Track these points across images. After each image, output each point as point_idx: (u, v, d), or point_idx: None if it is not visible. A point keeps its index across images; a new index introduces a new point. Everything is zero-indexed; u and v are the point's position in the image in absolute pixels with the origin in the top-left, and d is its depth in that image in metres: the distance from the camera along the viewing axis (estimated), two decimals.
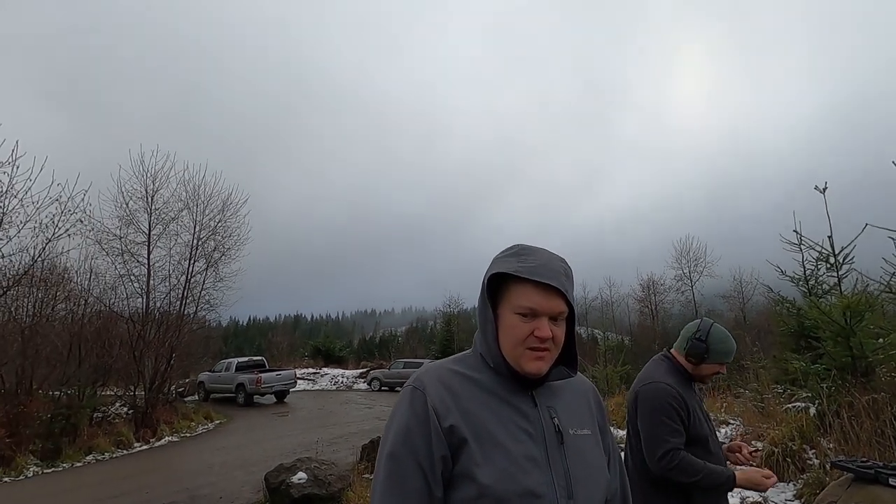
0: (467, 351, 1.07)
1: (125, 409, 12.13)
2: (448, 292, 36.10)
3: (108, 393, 12.39)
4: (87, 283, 12.08)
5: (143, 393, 12.00)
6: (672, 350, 2.09)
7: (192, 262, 13.57)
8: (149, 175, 12.81)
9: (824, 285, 6.67)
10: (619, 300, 29.98)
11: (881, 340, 4.72)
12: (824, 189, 6.17)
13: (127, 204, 12.50)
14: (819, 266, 6.58)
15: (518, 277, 0.94)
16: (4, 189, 8.70)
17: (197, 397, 18.13)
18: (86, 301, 11.91)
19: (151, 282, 12.77)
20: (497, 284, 0.99)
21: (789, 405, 5.33)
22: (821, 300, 6.19)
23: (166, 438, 11.35)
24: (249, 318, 74.03)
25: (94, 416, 11.13)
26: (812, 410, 4.83)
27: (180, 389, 17.18)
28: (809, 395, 5.06)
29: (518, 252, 0.99)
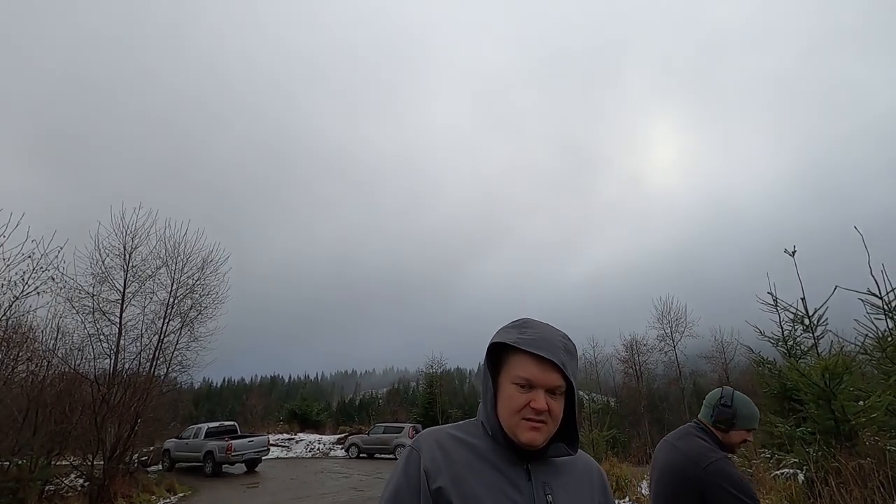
0: (472, 419, 1.11)
1: (81, 480, 11.22)
2: (431, 352, 35.28)
3: (64, 463, 11.49)
4: (52, 342, 11.54)
5: (101, 462, 11.17)
6: (702, 420, 2.04)
7: (166, 321, 13.15)
8: (129, 232, 12.65)
9: (802, 346, 6.74)
10: (603, 360, 29.64)
11: (861, 403, 4.72)
12: (793, 252, 6.40)
13: (103, 261, 12.23)
14: (795, 327, 6.69)
15: (517, 349, 0.98)
16: None
17: (161, 467, 16.94)
18: (49, 362, 11.31)
19: (122, 341, 12.27)
20: (499, 355, 1.03)
21: (778, 472, 5.21)
22: (800, 361, 6.24)
23: None
24: (224, 380, 71.23)
25: (46, 489, 10.25)
26: (801, 477, 4.72)
27: (143, 458, 16.05)
28: (797, 460, 4.96)
29: (521, 325, 1.04)
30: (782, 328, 6.88)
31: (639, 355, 25.51)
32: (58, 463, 11.14)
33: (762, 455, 6.45)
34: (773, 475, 5.24)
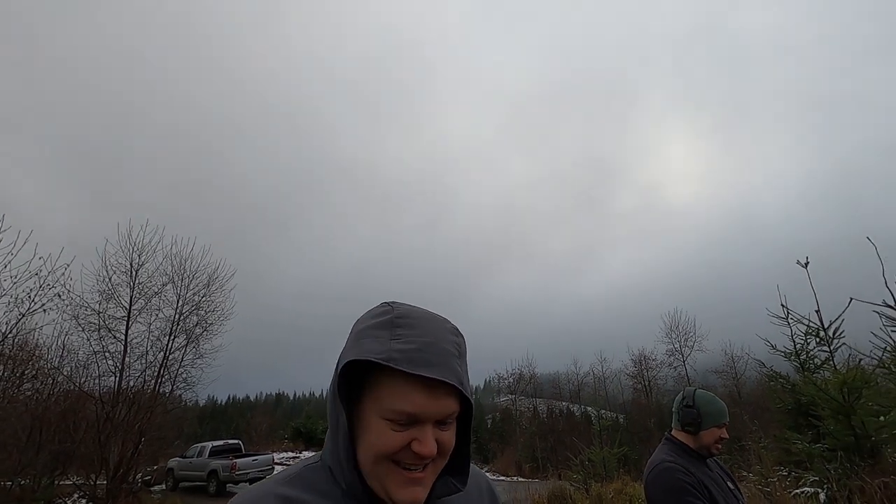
0: (312, 459, 0.73)
1: (84, 501, 11.08)
2: None
3: (67, 483, 11.38)
4: (57, 360, 11.54)
5: (104, 482, 11.04)
6: (672, 431, 2.03)
7: (171, 338, 13.14)
8: (135, 249, 12.74)
9: (816, 360, 6.60)
10: (612, 376, 29.31)
11: (882, 418, 4.58)
12: (806, 264, 6.31)
13: (110, 278, 12.28)
14: (809, 340, 6.56)
15: (390, 368, 0.61)
16: None
17: (164, 486, 16.75)
18: (54, 380, 11.29)
19: (127, 359, 12.25)
20: (360, 370, 0.66)
21: (797, 490, 5.04)
22: (815, 375, 6.10)
23: None
24: (229, 397, 70.83)
25: None
26: (822, 497, 4.56)
27: (147, 478, 15.89)
28: (817, 479, 4.81)
29: (393, 322, 0.65)
30: (794, 342, 6.76)
31: (647, 370, 25.20)
32: (61, 483, 11.02)
33: (779, 473, 6.27)
34: (792, 494, 5.07)
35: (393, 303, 0.69)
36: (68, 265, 9.96)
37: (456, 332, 0.68)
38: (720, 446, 1.90)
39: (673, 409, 2.04)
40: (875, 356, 5.32)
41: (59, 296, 9.96)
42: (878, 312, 5.20)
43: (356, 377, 0.66)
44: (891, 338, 5.09)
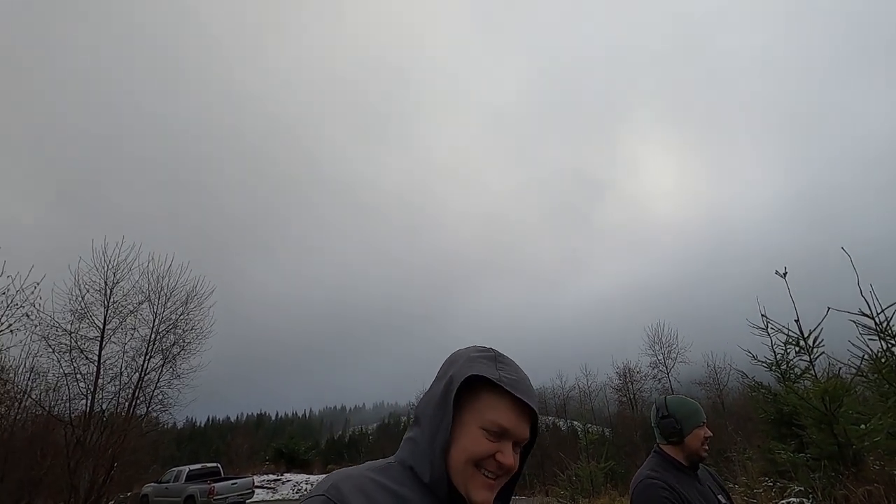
0: (388, 459, 0.86)
1: None
2: (422, 385, 34.74)
3: None
4: (25, 383, 11.05)
5: None
6: (658, 444, 1.96)
7: (147, 358, 12.72)
8: (110, 267, 12.38)
9: (796, 369, 6.66)
10: (597, 389, 29.30)
11: (863, 426, 4.62)
12: (784, 274, 6.39)
13: (83, 297, 11.89)
14: (788, 350, 6.63)
15: (496, 386, 0.80)
16: None
17: None
18: (21, 404, 10.81)
19: (100, 380, 11.80)
20: (464, 388, 0.82)
21: (783, 501, 5.04)
22: (795, 384, 6.15)
23: None
24: (208, 419, 69.02)
25: None
26: None
27: None
28: (802, 488, 4.81)
29: (496, 357, 0.85)
30: (775, 351, 6.81)
31: (632, 383, 25.26)
32: None
33: (764, 484, 6.27)
34: None
35: (492, 348, 0.89)
36: (38, 283, 9.61)
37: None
38: (707, 447, 1.86)
39: (653, 425, 1.97)
40: (853, 364, 5.39)
41: (28, 315, 9.59)
42: (854, 321, 5.27)
43: (458, 391, 0.81)
44: (868, 346, 5.16)
